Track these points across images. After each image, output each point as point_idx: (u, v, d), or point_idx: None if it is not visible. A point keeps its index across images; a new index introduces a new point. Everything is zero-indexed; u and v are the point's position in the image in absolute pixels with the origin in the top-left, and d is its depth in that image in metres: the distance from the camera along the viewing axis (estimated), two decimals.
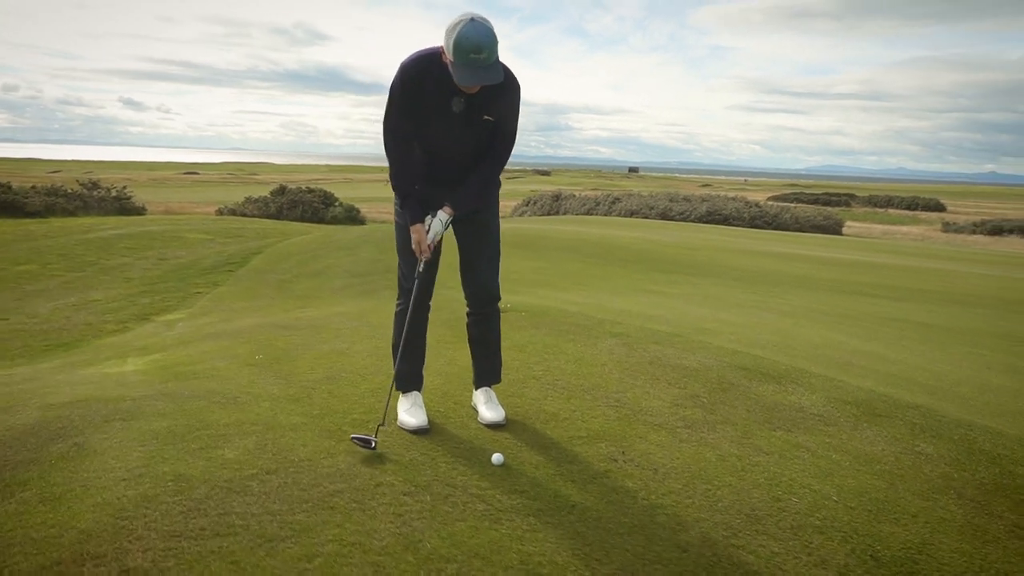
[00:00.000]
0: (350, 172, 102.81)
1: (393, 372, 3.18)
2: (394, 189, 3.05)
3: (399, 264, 3.19)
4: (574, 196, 41.48)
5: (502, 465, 2.77)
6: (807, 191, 76.51)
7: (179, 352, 5.39)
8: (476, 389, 3.36)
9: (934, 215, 61.55)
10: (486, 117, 2.91)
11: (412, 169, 2.99)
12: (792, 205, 45.23)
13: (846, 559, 2.34)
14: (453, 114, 2.91)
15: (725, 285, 9.57)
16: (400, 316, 3.20)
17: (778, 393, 4.00)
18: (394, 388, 3.15)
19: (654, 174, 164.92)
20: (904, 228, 49.08)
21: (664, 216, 35.37)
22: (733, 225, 33.73)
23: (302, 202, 29.31)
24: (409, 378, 3.21)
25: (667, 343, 4.90)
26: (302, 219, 27.93)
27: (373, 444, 2.78)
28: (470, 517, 2.38)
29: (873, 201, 70.46)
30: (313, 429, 3.04)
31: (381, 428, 2.95)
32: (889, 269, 12.87)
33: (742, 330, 5.88)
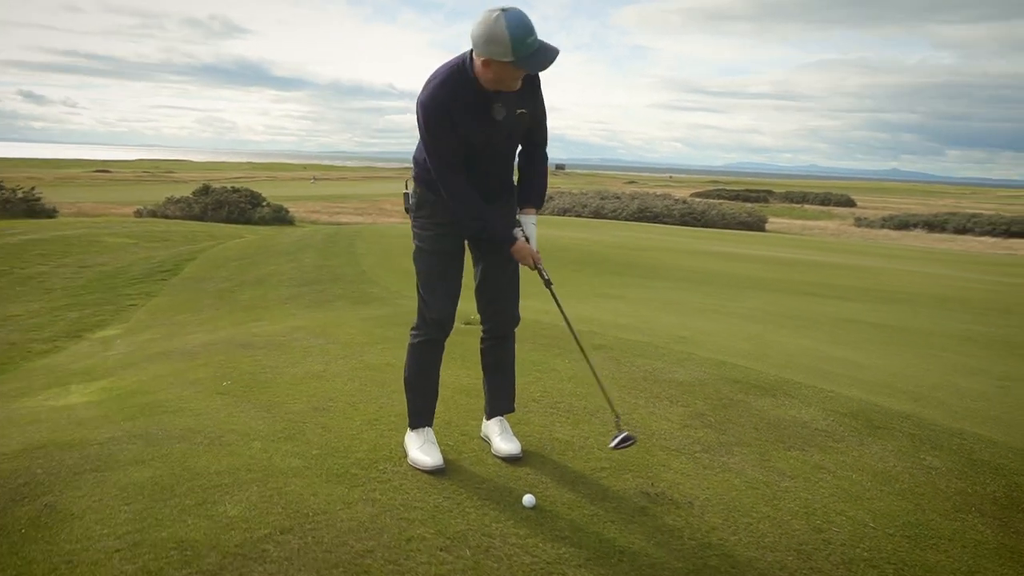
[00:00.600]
0: (274, 170, 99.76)
1: (409, 410, 2.96)
2: (469, 220, 2.75)
3: (420, 292, 2.94)
4: None
5: (534, 507, 2.58)
6: (728, 187, 78.95)
7: (129, 377, 4.95)
8: (488, 419, 3.15)
9: (846, 210, 64.58)
10: (520, 111, 2.71)
11: (474, 192, 2.74)
12: (718, 202, 46.58)
13: None
14: (496, 122, 2.69)
15: (679, 288, 9.63)
16: (419, 348, 2.95)
17: (777, 407, 3.95)
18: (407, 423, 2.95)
19: (581, 171, 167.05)
20: (821, 223, 51.21)
21: (597, 214, 35.76)
22: (664, 223, 34.40)
23: (228, 202, 28.12)
24: (424, 414, 2.98)
25: (653, 356, 4.81)
26: (228, 220, 26.79)
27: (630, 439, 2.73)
28: (519, 572, 2.18)
29: (790, 197, 73.31)
30: (318, 473, 2.76)
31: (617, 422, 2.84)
32: (829, 267, 13.28)
33: (716, 338, 5.86)
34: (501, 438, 3.03)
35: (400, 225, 17.85)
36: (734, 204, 45.39)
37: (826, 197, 73.36)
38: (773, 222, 42.85)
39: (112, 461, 2.83)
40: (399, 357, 3.12)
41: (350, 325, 5.92)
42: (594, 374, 2.93)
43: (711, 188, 77.72)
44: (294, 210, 30.63)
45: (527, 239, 2.81)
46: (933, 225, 49.38)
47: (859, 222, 51.23)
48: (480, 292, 2.99)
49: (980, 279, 13.82)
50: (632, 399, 3.89)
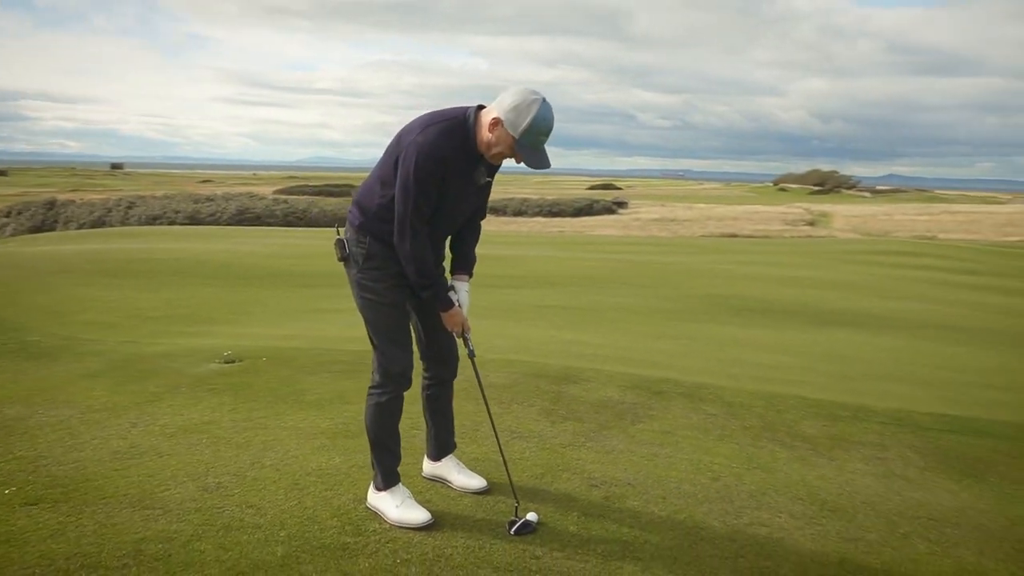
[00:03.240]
0: None
1: (380, 471, 2.78)
2: (418, 278, 2.64)
3: (380, 347, 2.76)
4: (74, 203, 35.46)
5: (538, 522, 2.75)
6: (310, 183, 79.40)
7: None
8: (438, 459, 3.11)
9: None
10: (487, 180, 2.76)
11: (430, 251, 2.65)
12: (319, 199, 46.79)
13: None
14: (474, 186, 2.68)
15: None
16: (387, 405, 2.76)
17: (588, 392, 4.61)
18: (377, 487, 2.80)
19: (142, 170, 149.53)
20: None
21: (194, 219, 32.95)
22: (268, 224, 33.43)
23: None
24: (395, 471, 2.81)
25: (541, 374, 4.90)
26: None
27: (533, 525, 2.70)
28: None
29: None
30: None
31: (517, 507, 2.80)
32: (532, 260, 14.81)
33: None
34: (464, 475, 3.05)
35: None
36: (337, 200, 46.13)
37: None
38: None
39: None
40: None
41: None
42: (501, 453, 2.99)
43: (294, 184, 77.20)
44: None
45: (460, 306, 2.85)
46: (497, 210, 57.45)
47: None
48: (420, 338, 2.95)
49: (603, 258, 16.92)
50: (557, 425, 3.98)
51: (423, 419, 3.14)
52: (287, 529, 2.65)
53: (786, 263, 17.32)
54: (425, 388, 3.03)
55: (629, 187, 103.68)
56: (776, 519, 3.00)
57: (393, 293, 2.74)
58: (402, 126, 2.71)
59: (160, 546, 2.52)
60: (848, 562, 2.69)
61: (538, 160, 2.55)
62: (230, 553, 2.48)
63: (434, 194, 2.59)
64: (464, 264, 2.94)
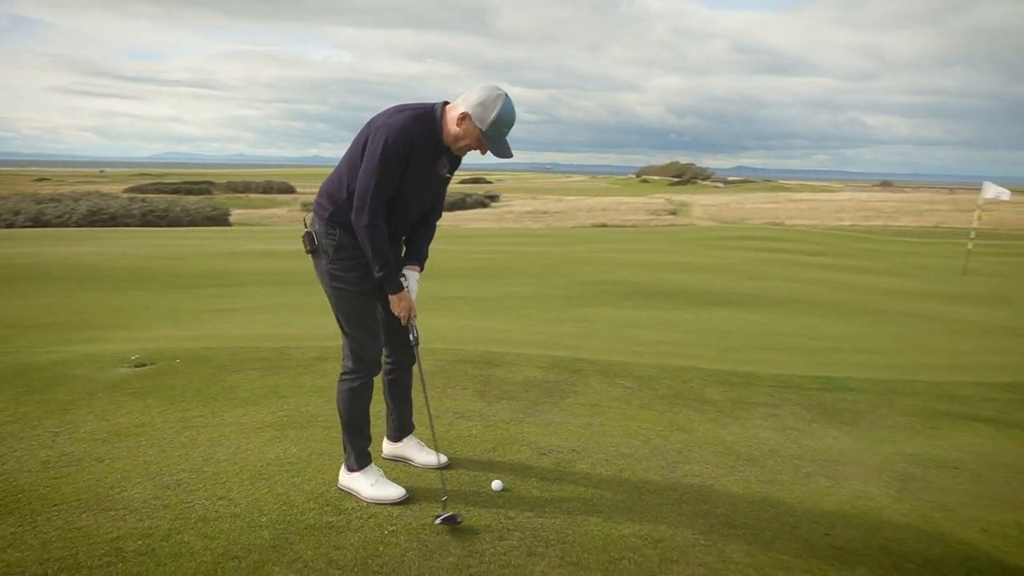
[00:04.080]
0: None
1: (353, 452, 2.89)
2: (380, 258, 2.74)
3: (352, 335, 2.86)
4: None
5: (503, 489, 2.98)
6: (165, 181, 74.62)
7: None
8: (400, 440, 3.25)
9: (289, 196, 68.36)
10: (448, 175, 2.92)
11: (387, 234, 2.77)
12: (177, 197, 44.18)
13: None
14: (436, 176, 2.82)
15: (298, 294, 9.62)
16: (360, 390, 2.88)
17: (511, 373, 4.89)
18: (350, 468, 2.92)
19: None
20: (274, 211, 53.26)
21: (38, 221, 30.26)
22: (126, 224, 31.25)
23: None
24: (367, 451, 2.93)
25: (465, 360, 5.07)
26: None
27: (458, 519, 2.69)
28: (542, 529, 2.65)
29: (233, 187, 73.55)
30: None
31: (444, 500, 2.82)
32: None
33: (460, 332, 6.46)
34: (424, 453, 3.21)
35: None
36: (199, 199, 43.72)
37: (268, 185, 76.03)
38: (237, 214, 42.78)
39: None
40: None
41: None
42: (436, 453, 3.19)
43: (147, 182, 72.26)
44: None
45: (408, 292, 2.95)
46: None
47: (307, 207, 55.03)
48: (386, 328, 3.06)
49: (488, 251, 17.17)
50: (494, 404, 4.21)
51: (384, 402, 3.28)
52: (267, 515, 2.73)
53: (660, 250, 18.43)
54: (387, 372, 3.17)
55: (499, 181, 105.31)
56: (704, 470, 3.40)
57: (363, 282, 2.87)
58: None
59: (140, 542, 2.53)
60: (769, 499, 3.13)
61: (502, 150, 2.76)
62: (216, 541, 2.54)
63: (398, 175, 2.72)
64: (417, 256, 3.06)
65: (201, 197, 48.72)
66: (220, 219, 37.84)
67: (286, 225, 36.98)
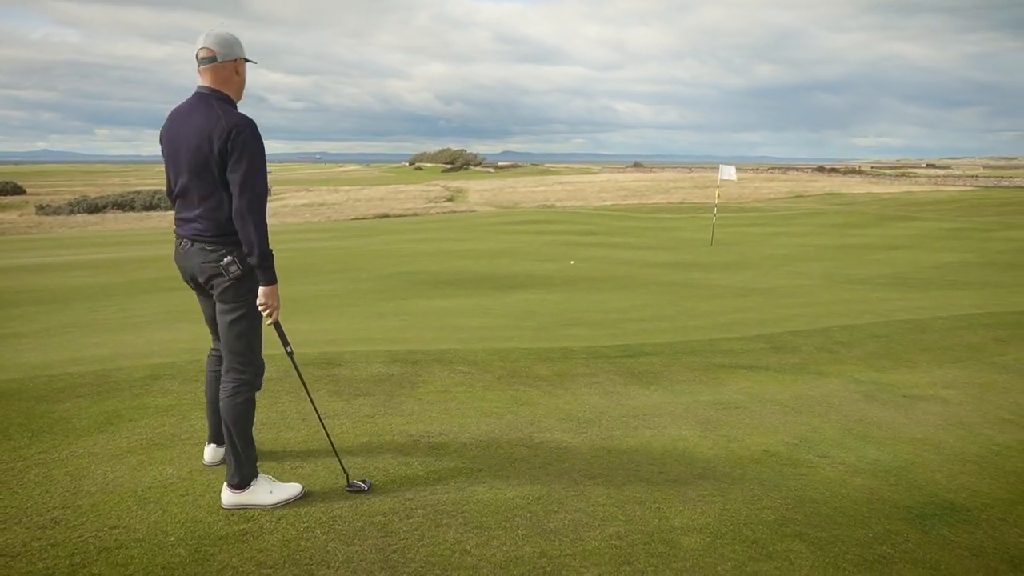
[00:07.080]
0: None
1: (246, 464, 2.98)
2: (265, 248, 2.83)
3: (255, 351, 2.97)
4: None
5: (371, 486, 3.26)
6: None
7: None
8: (220, 445, 3.34)
9: (19, 199, 59.57)
10: None
11: None
12: None
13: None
14: None
15: (83, 311, 8.67)
16: (252, 401, 2.95)
17: (357, 371, 5.11)
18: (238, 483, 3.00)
19: None
20: (5, 216, 46.09)
21: None
22: None
23: None
24: (256, 458, 3.05)
25: (304, 363, 5.00)
26: None
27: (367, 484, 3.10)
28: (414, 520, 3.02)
29: None
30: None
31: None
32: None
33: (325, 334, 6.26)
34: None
35: None
36: None
37: None
38: None
39: None
40: None
41: None
42: (325, 431, 3.46)
43: None
44: None
45: None
46: (123, 204, 51.38)
47: (44, 210, 48.54)
48: (212, 322, 3.17)
49: (274, 248, 16.43)
50: (297, 399, 4.39)
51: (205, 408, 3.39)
52: (173, 534, 2.77)
53: (451, 238, 19.11)
54: (214, 367, 3.23)
55: (268, 172, 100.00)
56: (556, 436, 3.97)
57: (254, 303, 2.97)
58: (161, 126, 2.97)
59: None
60: (612, 451, 3.76)
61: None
62: (130, 567, 2.56)
63: None
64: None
65: None
66: None
67: (26, 234, 32.34)
